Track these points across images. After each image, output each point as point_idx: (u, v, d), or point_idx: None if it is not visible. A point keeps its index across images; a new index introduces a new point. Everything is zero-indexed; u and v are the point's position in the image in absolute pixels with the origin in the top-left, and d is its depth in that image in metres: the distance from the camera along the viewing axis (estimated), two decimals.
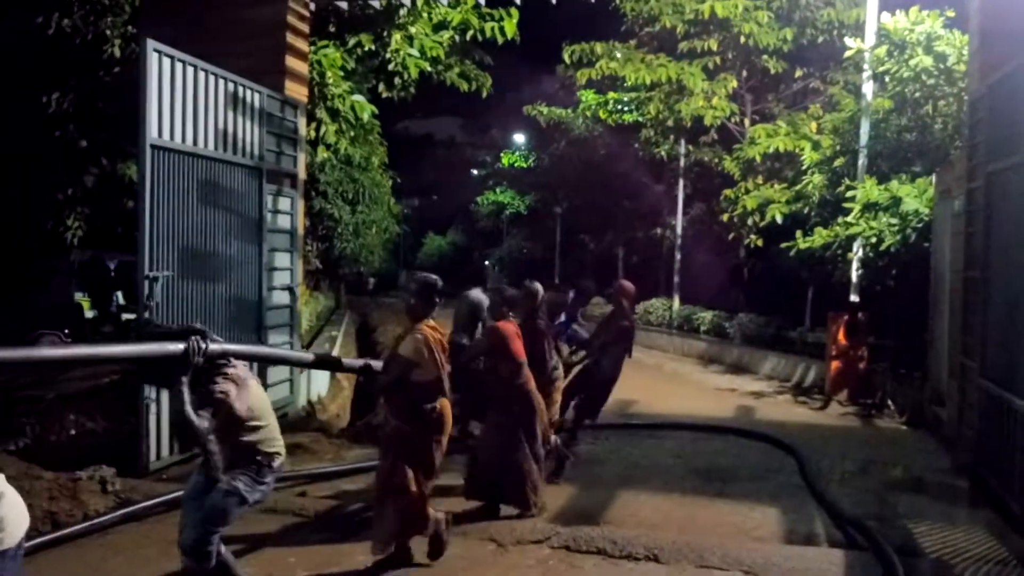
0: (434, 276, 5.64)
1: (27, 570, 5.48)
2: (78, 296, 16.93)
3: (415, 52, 13.31)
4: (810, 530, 6.80)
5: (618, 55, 20.67)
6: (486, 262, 48.05)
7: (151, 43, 7.68)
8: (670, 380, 16.49)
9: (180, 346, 4.23)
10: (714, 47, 19.82)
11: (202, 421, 4.23)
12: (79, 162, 14.60)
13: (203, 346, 4.29)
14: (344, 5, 12.29)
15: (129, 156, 14.03)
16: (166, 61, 7.89)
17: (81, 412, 8.94)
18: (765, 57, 19.89)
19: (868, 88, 14.52)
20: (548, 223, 38.59)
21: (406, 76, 13.79)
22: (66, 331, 18.37)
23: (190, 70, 8.29)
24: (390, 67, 13.72)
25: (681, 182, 25.13)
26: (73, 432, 8.60)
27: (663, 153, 25.01)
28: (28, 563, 5.60)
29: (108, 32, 13.46)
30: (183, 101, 8.19)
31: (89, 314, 16.83)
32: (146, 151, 7.60)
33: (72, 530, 6.09)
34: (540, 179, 37.84)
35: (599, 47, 20.85)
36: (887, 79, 13.75)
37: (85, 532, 6.12)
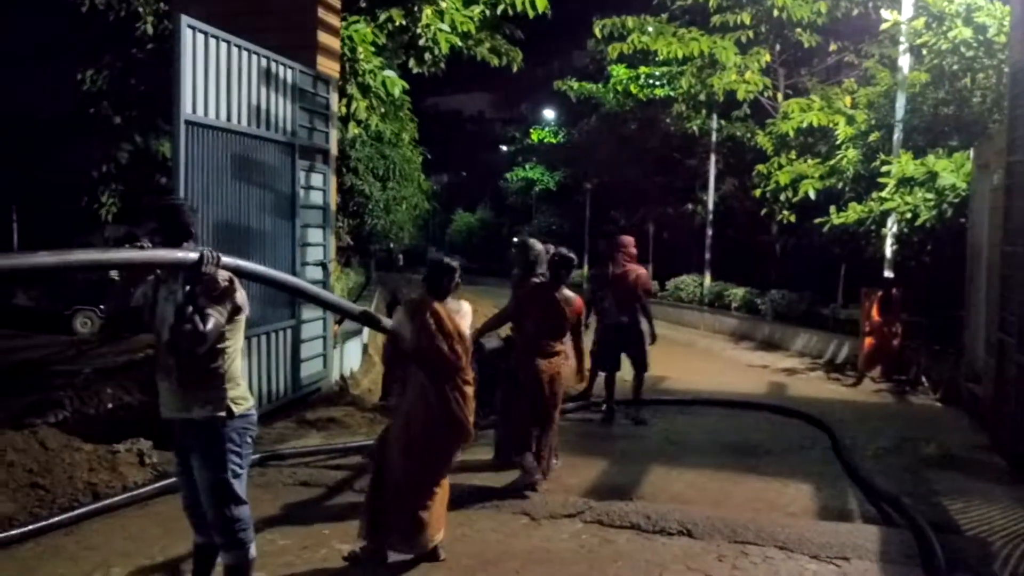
0: (448, 259, 5.39)
1: (70, 540, 5.60)
2: (113, 272, 17.09)
3: (446, 27, 13.24)
4: (844, 506, 6.77)
5: (650, 29, 20.48)
6: (515, 239, 47.87)
7: (185, 19, 7.70)
8: (701, 356, 16.46)
9: (194, 255, 4.19)
10: (747, 21, 19.61)
11: (207, 320, 4.14)
12: (113, 139, 14.71)
13: (217, 256, 4.20)
14: None
15: (162, 132, 14.11)
16: (200, 37, 7.90)
17: (118, 386, 9.05)
18: (799, 31, 19.65)
19: (905, 61, 14.32)
20: (578, 199, 38.44)
21: (436, 51, 13.73)
22: (100, 307, 18.62)
23: (223, 46, 8.30)
24: (421, 42, 13.66)
25: (713, 157, 24.96)
26: (111, 405, 8.70)
27: (695, 128, 24.84)
28: (71, 533, 5.72)
29: (141, 9, 13.51)
30: (216, 77, 8.20)
31: None
32: (180, 127, 7.64)
33: (112, 501, 6.18)
34: (570, 155, 37.66)
35: (630, 21, 20.66)
36: (924, 52, 13.55)
37: (125, 503, 6.21)
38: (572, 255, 7.22)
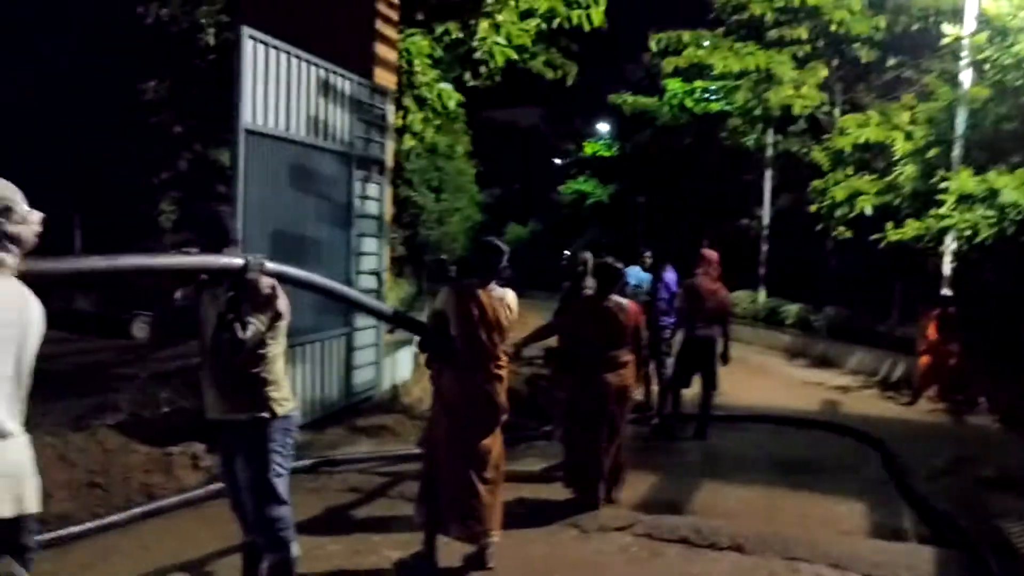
0: (498, 241, 5.52)
1: (126, 540, 5.70)
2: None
3: (502, 40, 13.32)
4: (898, 525, 6.68)
5: (705, 43, 20.42)
6: (566, 251, 47.80)
7: (247, 30, 7.83)
8: (755, 373, 16.27)
9: (238, 260, 4.27)
10: (803, 35, 19.44)
11: (247, 327, 4.23)
12: (173, 147, 14.99)
13: (261, 262, 4.30)
14: None
15: (222, 142, 14.35)
16: (261, 48, 8.03)
17: (173, 390, 9.19)
18: (856, 45, 19.44)
19: (966, 76, 14.09)
20: (631, 213, 38.31)
21: (492, 64, 13.82)
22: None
23: (283, 57, 8.43)
24: (476, 55, 13.76)
25: (768, 172, 24.75)
26: (166, 409, 8.84)
27: (750, 143, 24.67)
28: (126, 533, 5.83)
29: (203, 21, 13.77)
30: (276, 87, 8.33)
31: None
32: (240, 136, 7.77)
33: (167, 502, 6.29)
34: (623, 168, 37.57)
35: (686, 35, 20.62)
36: (986, 66, 13.32)
37: (179, 505, 6.32)
38: (618, 265, 7.18)
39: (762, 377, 15.96)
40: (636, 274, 10.62)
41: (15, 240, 2.91)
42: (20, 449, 2.93)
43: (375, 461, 7.76)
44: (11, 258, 2.90)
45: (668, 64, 21.02)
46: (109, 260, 3.86)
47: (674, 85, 26.93)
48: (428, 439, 5.57)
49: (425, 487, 5.39)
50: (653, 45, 21.04)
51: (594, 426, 6.76)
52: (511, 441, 6.80)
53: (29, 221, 2.95)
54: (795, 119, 21.06)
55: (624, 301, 7.05)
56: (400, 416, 9.79)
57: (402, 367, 12.16)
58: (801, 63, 19.56)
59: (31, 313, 2.94)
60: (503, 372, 5.45)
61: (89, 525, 5.73)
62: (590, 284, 7.41)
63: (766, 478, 7.95)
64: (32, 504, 2.95)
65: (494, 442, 5.41)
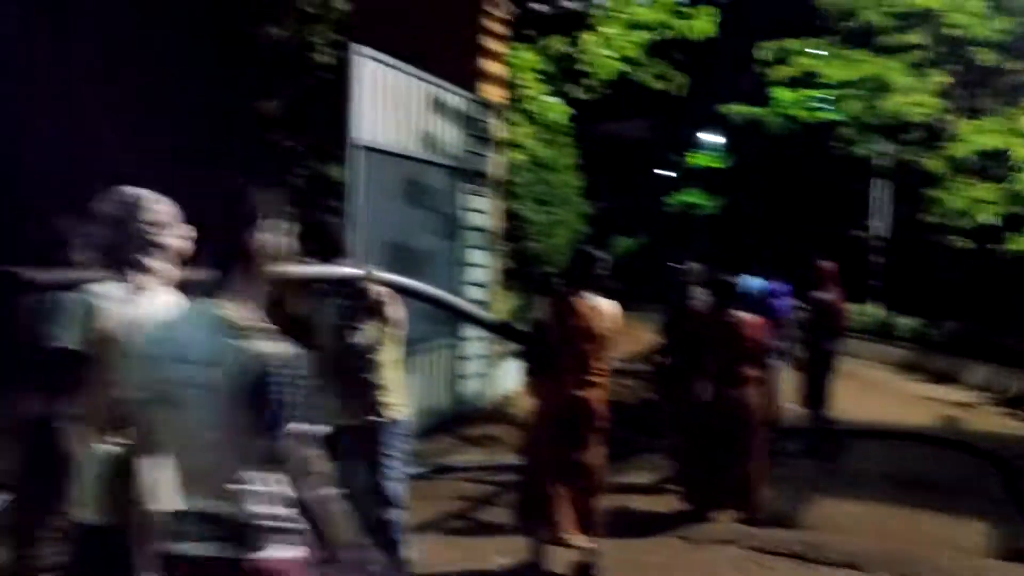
0: (592, 250, 5.59)
1: None
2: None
3: (609, 52, 13.34)
4: (1021, 547, 6.44)
5: (816, 51, 20.06)
6: (671, 263, 47.32)
7: (359, 48, 8.05)
8: (868, 387, 15.85)
9: (351, 270, 4.42)
10: (918, 41, 18.92)
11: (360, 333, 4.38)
12: (287, 164, 15.40)
13: (371, 271, 4.46)
14: (541, 8, 12.48)
15: (333, 157, 14.68)
16: (372, 65, 8.25)
17: None
18: (975, 49, 18.82)
19: None
20: (740, 224, 37.81)
21: (599, 77, 13.84)
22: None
23: (394, 73, 8.64)
24: (583, 68, 13.80)
25: (880, 182, 24.14)
26: None
27: (863, 152, 24.09)
28: None
29: (316, 40, 14.14)
30: (386, 103, 8.54)
31: None
32: (353, 152, 7.98)
33: None
34: (732, 179, 37.12)
35: (795, 44, 20.29)
36: None
37: None
38: (734, 279, 7.10)
39: (875, 392, 15.54)
40: (754, 284, 10.40)
41: (167, 250, 3.06)
42: None
43: (485, 470, 7.85)
44: (166, 267, 3.06)
45: (777, 73, 20.71)
46: None
47: (783, 94, 26.48)
48: (528, 447, 5.62)
49: (525, 494, 5.44)
50: (762, 54, 20.77)
51: (716, 442, 6.67)
52: (621, 454, 6.80)
53: (180, 232, 3.10)
54: (908, 127, 20.48)
55: (745, 315, 6.91)
56: (508, 427, 9.86)
57: (511, 378, 12.25)
58: (916, 69, 19.02)
59: None
60: (602, 381, 5.43)
61: None
62: (699, 295, 7.35)
63: (880, 494, 7.76)
64: None
65: (593, 450, 5.40)
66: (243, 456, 2.45)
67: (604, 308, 5.41)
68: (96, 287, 2.94)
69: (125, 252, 2.98)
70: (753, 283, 10.47)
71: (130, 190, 3.05)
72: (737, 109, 29.46)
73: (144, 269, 3.00)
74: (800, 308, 10.04)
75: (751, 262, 11.03)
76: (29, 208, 5.96)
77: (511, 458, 8.19)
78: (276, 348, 2.45)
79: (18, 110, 8.43)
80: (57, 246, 3.72)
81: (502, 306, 17.59)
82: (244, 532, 2.43)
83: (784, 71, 20.39)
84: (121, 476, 2.80)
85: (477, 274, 10.49)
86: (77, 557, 3.01)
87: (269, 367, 2.40)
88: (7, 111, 8.12)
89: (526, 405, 11.69)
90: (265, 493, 2.47)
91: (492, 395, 11.02)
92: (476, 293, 10.48)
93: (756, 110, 29.32)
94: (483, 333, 10.39)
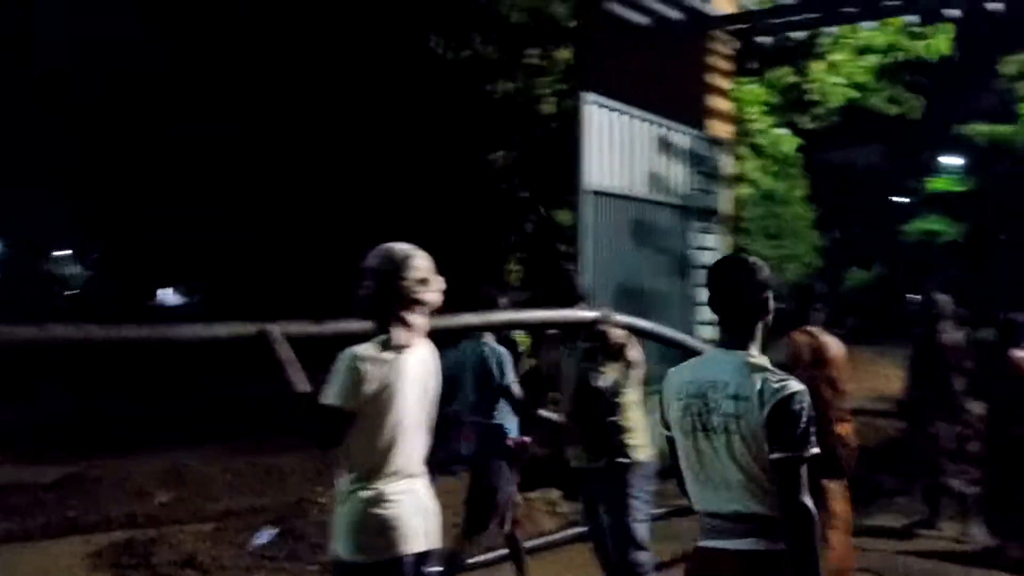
0: (814, 285, 5.57)
1: None
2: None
3: (838, 80, 12.96)
4: None
5: None
6: (910, 295, 44.88)
7: (589, 96, 8.25)
8: None
9: (591, 314, 4.50)
10: None
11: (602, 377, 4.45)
12: (520, 211, 15.88)
13: (610, 315, 4.54)
14: (765, 40, 12.30)
15: (563, 203, 15.01)
16: (601, 112, 8.42)
17: (533, 440, 9.65)
18: None
19: None
20: (989, 252, 35.38)
21: (828, 105, 13.46)
22: None
23: (622, 118, 8.77)
24: (811, 98, 13.46)
25: None
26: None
27: None
28: (491, 571, 6.22)
29: (543, 91, 14.59)
30: (616, 147, 8.67)
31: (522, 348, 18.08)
32: (584, 197, 8.15)
33: (529, 544, 6.64)
34: (979, 203, 34.87)
35: None
36: None
37: (540, 548, 6.65)
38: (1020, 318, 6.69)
39: None
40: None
41: (427, 305, 3.24)
42: (426, 488, 3.29)
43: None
44: (424, 320, 3.24)
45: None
46: (481, 317, 4.26)
47: None
48: None
49: None
50: (1006, 69, 19.50)
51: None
52: (867, 497, 6.55)
53: (437, 287, 3.27)
54: None
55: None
56: None
57: None
58: None
59: (435, 367, 3.30)
60: (839, 417, 5.29)
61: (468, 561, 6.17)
62: (947, 330, 7.01)
63: None
64: (436, 539, 3.28)
65: (831, 491, 5.23)
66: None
67: (830, 344, 5.31)
68: (361, 349, 3.11)
69: (390, 307, 3.16)
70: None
71: (398, 246, 3.21)
72: (980, 129, 27.80)
73: (407, 325, 3.17)
74: None
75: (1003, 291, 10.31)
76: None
77: None
78: (790, 383, 2.88)
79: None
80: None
81: None
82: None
83: None
84: (373, 517, 3.01)
85: (709, 313, 10.39)
86: None
87: (790, 398, 2.82)
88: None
89: None
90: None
91: None
92: (709, 332, 10.38)
93: (1002, 128, 27.56)
94: None
